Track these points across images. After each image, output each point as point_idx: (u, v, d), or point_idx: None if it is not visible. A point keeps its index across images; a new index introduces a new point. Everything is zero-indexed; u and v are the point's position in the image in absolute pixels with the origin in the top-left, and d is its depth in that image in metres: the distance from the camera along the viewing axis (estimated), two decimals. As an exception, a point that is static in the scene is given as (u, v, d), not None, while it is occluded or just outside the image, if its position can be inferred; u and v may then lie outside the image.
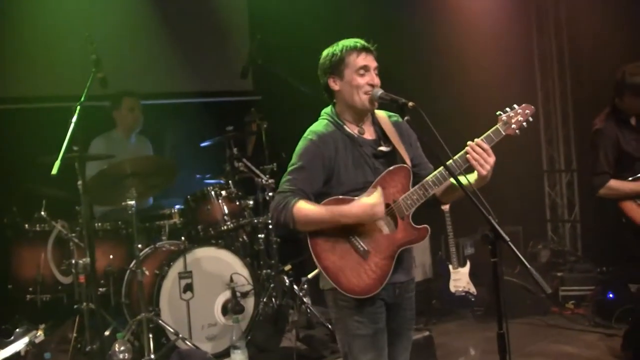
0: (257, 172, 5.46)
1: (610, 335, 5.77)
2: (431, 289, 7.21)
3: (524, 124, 3.30)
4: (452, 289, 6.86)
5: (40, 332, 4.28)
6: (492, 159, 3.23)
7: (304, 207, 3.11)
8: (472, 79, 8.15)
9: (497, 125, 3.29)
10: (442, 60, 8.09)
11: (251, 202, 5.38)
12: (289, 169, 3.23)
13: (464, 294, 6.96)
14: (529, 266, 2.85)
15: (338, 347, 3.43)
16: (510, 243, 2.89)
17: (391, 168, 3.27)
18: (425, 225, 3.29)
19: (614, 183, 5.11)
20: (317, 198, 3.20)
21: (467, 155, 3.19)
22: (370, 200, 3.12)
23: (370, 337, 3.25)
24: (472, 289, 7.01)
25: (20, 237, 5.10)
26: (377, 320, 3.26)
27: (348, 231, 3.17)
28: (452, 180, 3.24)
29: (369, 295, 3.18)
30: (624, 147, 5.13)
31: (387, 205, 3.20)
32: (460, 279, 7.01)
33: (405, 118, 3.15)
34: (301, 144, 3.29)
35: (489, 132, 3.28)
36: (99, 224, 5.12)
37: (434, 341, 5.28)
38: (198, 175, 5.78)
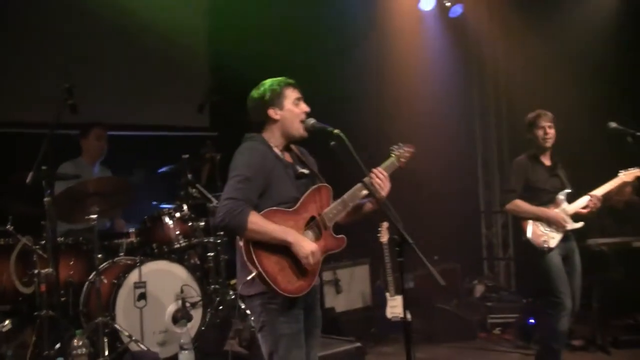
0: (210, 196, 5.89)
1: (528, 355, 6.25)
2: (370, 316, 7.58)
3: (409, 158, 4.02)
4: (389, 315, 7.16)
5: (7, 322, 4.67)
6: (388, 185, 3.81)
7: (257, 220, 3.52)
8: (414, 120, 8.52)
9: (393, 159, 3.96)
10: (386, 101, 8.57)
11: (202, 224, 5.81)
12: (238, 177, 3.61)
13: (399, 319, 7.44)
14: (427, 262, 3.40)
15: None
16: (413, 245, 3.45)
17: (316, 186, 3.79)
18: (343, 236, 3.82)
19: (519, 202, 5.75)
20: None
21: (372, 180, 3.73)
22: (313, 248, 3.60)
23: (295, 336, 3.67)
24: (408, 316, 7.49)
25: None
26: (299, 320, 3.69)
27: None
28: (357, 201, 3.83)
29: (302, 293, 3.60)
30: (532, 178, 5.81)
31: (312, 218, 3.73)
32: (396, 306, 7.38)
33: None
34: (248, 157, 3.69)
35: (386, 163, 3.93)
36: (62, 239, 5.44)
37: (365, 350, 5.68)
38: (154, 202, 6.15)
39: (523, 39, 8.85)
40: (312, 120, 3.79)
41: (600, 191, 5.78)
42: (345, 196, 3.79)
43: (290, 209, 3.68)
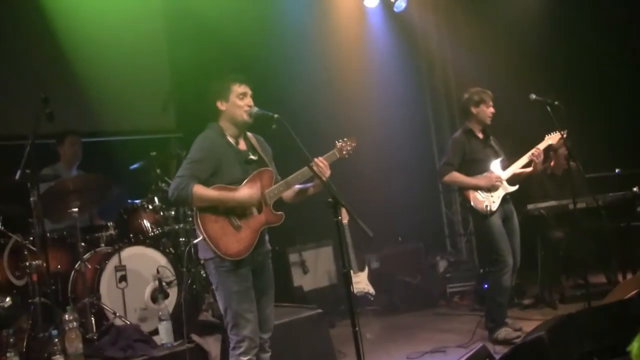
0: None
1: (482, 316, 6.64)
2: (337, 294, 8.15)
3: (351, 151, 4.64)
4: (354, 290, 7.71)
5: (8, 299, 5.22)
6: (328, 172, 4.42)
7: (201, 189, 4.22)
8: (368, 112, 9.12)
9: (334, 150, 4.59)
10: (336, 95, 8.98)
11: (173, 213, 6.39)
12: (189, 159, 4.33)
13: (363, 294, 8.04)
14: (355, 215, 4.00)
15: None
16: (344, 204, 4.05)
17: (260, 169, 4.46)
18: (281, 212, 4.48)
19: (456, 174, 6.32)
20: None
21: (313, 167, 4.34)
22: (251, 190, 4.31)
23: (244, 292, 4.36)
24: (371, 290, 7.99)
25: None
26: (247, 279, 4.38)
27: (228, 211, 4.30)
28: (298, 186, 4.52)
29: (240, 257, 4.28)
30: (469, 151, 6.37)
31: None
32: (359, 282, 7.98)
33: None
34: (199, 143, 4.41)
35: (328, 154, 4.55)
36: (49, 234, 5.88)
37: (324, 317, 6.18)
38: (130, 200, 6.61)
39: (465, 28, 9.48)
40: (255, 109, 4.44)
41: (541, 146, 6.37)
42: (288, 178, 4.47)
43: (235, 187, 4.34)
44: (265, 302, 4.56)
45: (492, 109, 6.43)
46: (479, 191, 6.32)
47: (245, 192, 4.32)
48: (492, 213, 6.24)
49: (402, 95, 9.84)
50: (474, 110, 6.44)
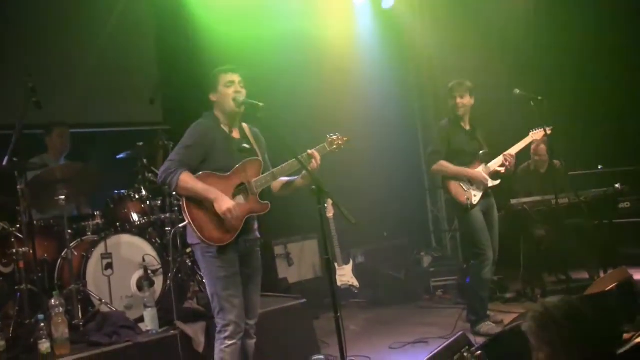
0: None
1: (464, 309, 6.71)
2: (321, 286, 7.98)
3: (342, 146, 4.71)
4: (338, 283, 7.76)
5: None
6: (318, 164, 4.52)
7: (188, 178, 4.28)
8: (354, 108, 9.13)
9: (325, 144, 4.67)
10: (324, 91, 8.98)
11: (159, 202, 6.46)
12: (181, 145, 4.41)
13: (348, 286, 8.09)
14: (338, 203, 4.09)
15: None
16: (328, 192, 4.15)
17: (248, 159, 4.52)
18: (267, 202, 4.54)
19: (445, 163, 6.34)
20: (193, 171, 4.36)
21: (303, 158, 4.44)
22: (228, 205, 4.27)
23: (230, 278, 4.42)
24: (355, 283, 8.04)
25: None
26: (233, 265, 4.44)
27: None
28: (286, 178, 4.59)
29: (223, 244, 4.34)
30: (453, 141, 6.39)
31: (242, 184, 4.45)
32: (344, 275, 8.01)
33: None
34: (192, 129, 4.48)
35: (318, 147, 4.63)
36: (36, 222, 5.93)
37: (308, 307, 6.25)
38: (116, 191, 6.63)
39: (452, 24, 9.53)
40: (242, 98, 4.51)
41: (513, 150, 6.43)
42: (274, 170, 4.55)
43: (223, 175, 4.41)
44: (252, 288, 4.63)
45: (462, 100, 6.39)
46: (461, 183, 6.36)
47: (223, 202, 4.29)
48: (472, 206, 6.30)
49: (389, 92, 9.89)
50: (449, 102, 6.48)
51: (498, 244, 6.53)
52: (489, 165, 6.42)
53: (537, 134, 6.49)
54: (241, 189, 4.48)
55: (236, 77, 4.55)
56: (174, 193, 5.22)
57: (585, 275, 7.71)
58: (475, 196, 6.34)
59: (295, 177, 4.64)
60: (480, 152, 6.45)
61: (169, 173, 4.29)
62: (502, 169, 6.42)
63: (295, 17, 8.63)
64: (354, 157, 8.10)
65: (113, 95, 7.93)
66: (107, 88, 7.87)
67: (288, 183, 4.67)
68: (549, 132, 6.32)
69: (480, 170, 6.37)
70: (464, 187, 6.35)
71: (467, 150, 6.44)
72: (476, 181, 6.35)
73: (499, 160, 6.41)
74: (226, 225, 4.33)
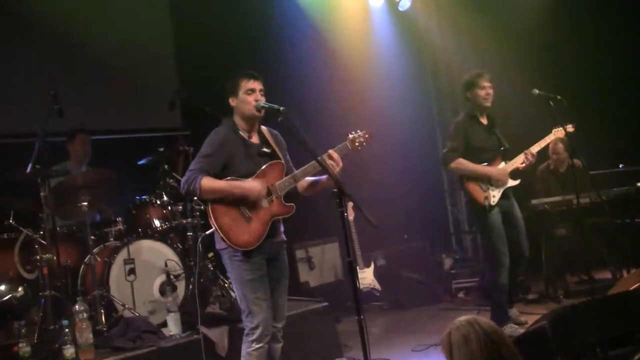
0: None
1: (487, 311, 6.52)
2: (343, 289, 8.18)
3: (364, 143, 4.62)
4: (360, 285, 7.59)
5: (20, 289, 5.33)
6: (341, 164, 4.48)
7: (209, 180, 4.33)
8: (373, 111, 9.10)
9: (346, 142, 4.61)
10: (342, 94, 9.04)
11: (181, 208, 6.48)
12: (200, 154, 4.44)
13: (369, 289, 8.11)
14: (359, 206, 4.07)
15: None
16: (349, 195, 4.13)
17: (270, 162, 4.54)
18: (292, 204, 4.55)
19: (462, 160, 6.20)
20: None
21: (325, 160, 4.42)
22: (257, 184, 4.38)
23: (257, 281, 4.44)
24: (377, 286, 8.08)
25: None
26: (260, 268, 4.46)
27: (238, 202, 4.40)
28: (311, 178, 4.58)
29: (249, 248, 4.36)
30: (472, 137, 6.27)
31: (265, 188, 4.46)
32: (365, 277, 8.07)
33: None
34: (211, 138, 4.51)
35: (339, 146, 4.57)
36: (59, 228, 5.91)
37: (330, 310, 6.26)
38: (137, 197, 6.67)
39: (470, 26, 9.50)
40: (261, 102, 4.52)
41: (534, 148, 6.31)
42: (296, 172, 4.55)
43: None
44: (279, 291, 4.65)
45: (486, 90, 6.28)
46: (481, 183, 6.24)
47: (252, 182, 4.41)
48: (491, 207, 6.18)
49: (407, 94, 9.89)
50: (468, 94, 6.37)
51: (527, 243, 6.44)
52: (509, 163, 6.32)
53: (559, 132, 6.40)
54: (265, 194, 4.50)
55: (257, 85, 4.56)
56: (197, 198, 5.20)
57: (608, 275, 7.67)
58: (494, 197, 6.21)
59: (321, 177, 4.64)
60: (502, 147, 6.34)
61: (190, 182, 4.32)
62: (522, 166, 6.32)
63: (313, 21, 8.67)
64: (372, 160, 8.12)
65: (133, 101, 8.00)
66: (127, 95, 7.93)
67: (314, 183, 4.68)
68: (571, 129, 6.24)
69: (500, 169, 6.25)
70: (482, 187, 6.23)
71: (487, 146, 6.32)
72: (497, 179, 6.21)
73: (520, 158, 6.31)
74: (250, 229, 4.36)
